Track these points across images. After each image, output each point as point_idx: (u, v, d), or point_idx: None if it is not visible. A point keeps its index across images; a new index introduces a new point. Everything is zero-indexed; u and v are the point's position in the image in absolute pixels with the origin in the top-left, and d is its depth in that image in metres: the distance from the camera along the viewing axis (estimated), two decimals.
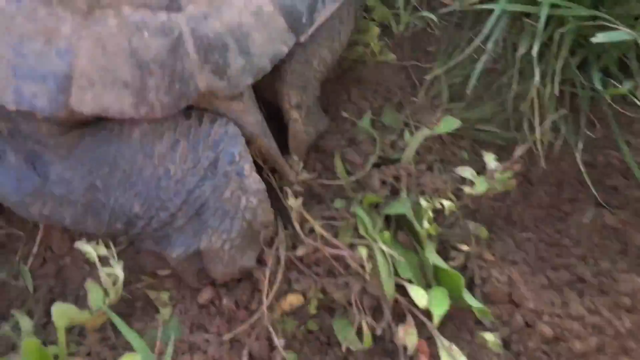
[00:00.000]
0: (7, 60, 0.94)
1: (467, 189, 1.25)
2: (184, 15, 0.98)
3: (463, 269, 1.22)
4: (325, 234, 1.16)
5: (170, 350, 1.04)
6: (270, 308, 1.13)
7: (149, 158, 1.05)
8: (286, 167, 1.23)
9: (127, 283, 1.15)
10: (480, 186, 1.25)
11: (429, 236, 1.21)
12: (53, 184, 1.05)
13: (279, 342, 1.08)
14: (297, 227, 1.18)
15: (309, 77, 1.27)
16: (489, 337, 1.13)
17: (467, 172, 1.28)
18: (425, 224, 1.19)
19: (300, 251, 1.18)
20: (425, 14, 1.54)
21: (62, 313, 1.04)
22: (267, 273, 1.14)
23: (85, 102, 0.95)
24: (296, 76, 1.25)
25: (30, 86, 0.94)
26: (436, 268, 1.16)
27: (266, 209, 1.13)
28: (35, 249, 1.22)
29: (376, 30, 1.54)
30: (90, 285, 1.07)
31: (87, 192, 1.06)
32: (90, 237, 1.10)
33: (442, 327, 1.12)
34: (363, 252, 1.13)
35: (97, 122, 1.05)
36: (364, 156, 1.36)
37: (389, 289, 1.11)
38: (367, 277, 1.12)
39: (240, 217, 1.09)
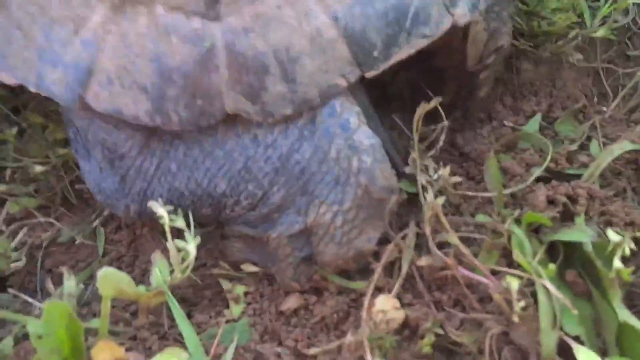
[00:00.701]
0: (36, 42, 0.91)
1: None
2: (221, 25, 0.87)
3: None
4: (464, 249, 0.93)
5: (229, 356, 0.90)
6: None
7: (231, 125, 0.96)
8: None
9: (201, 266, 1.08)
10: None
11: (618, 283, 0.89)
12: (131, 179, 1.01)
13: None
14: (428, 231, 0.96)
15: None
16: None
17: None
18: (617, 263, 0.86)
19: (423, 261, 0.97)
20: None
21: (109, 280, 0.88)
22: (374, 280, 0.97)
23: (100, 100, 0.90)
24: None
25: (52, 72, 0.90)
26: (625, 328, 0.86)
27: (385, 169, 0.96)
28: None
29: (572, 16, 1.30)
30: (157, 258, 0.93)
31: (163, 180, 1.00)
32: None
33: None
34: (514, 284, 0.84)
35: None
36: (526, 166, 1.14)
37: (548, 344, 0.83)
38: (515, 319, 0.85)
39: (354, 182, 0.95)
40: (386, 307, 0.92)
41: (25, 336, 0.93)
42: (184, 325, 0.90)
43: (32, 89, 0.91)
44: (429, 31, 0.95)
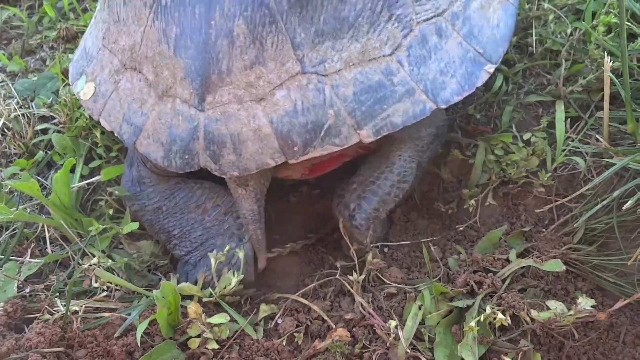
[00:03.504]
0: (123, 110, 1.54)
1: (542, 314, 1.31)
2: (204, 114, 1.39)
3: None
4: (366, 304, 1.47)
5: None
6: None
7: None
8: (262, 255, 1.63)
9: None
10: (562, 318, 1.29)
11: (480, 340, 1.32)
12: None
13: None
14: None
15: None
16: None
17: (556, 305, 1.33)
18: (472, 323, 1.30)
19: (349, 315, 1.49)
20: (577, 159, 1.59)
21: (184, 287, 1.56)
22: None
23: (142, 145, 1.50)
24: (355, 232, 1.65)
25: (125, 127, 1.53)
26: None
27: None
28: None
29: (535, 161, 1.64)
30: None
31: None
32: None
33: None
34: (393, 323, 1.38)
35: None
36: (462, 264, 1.58)
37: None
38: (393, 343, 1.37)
39: None
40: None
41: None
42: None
43: (116, 134, 1.55)
44: (339, 141, 1.37)
